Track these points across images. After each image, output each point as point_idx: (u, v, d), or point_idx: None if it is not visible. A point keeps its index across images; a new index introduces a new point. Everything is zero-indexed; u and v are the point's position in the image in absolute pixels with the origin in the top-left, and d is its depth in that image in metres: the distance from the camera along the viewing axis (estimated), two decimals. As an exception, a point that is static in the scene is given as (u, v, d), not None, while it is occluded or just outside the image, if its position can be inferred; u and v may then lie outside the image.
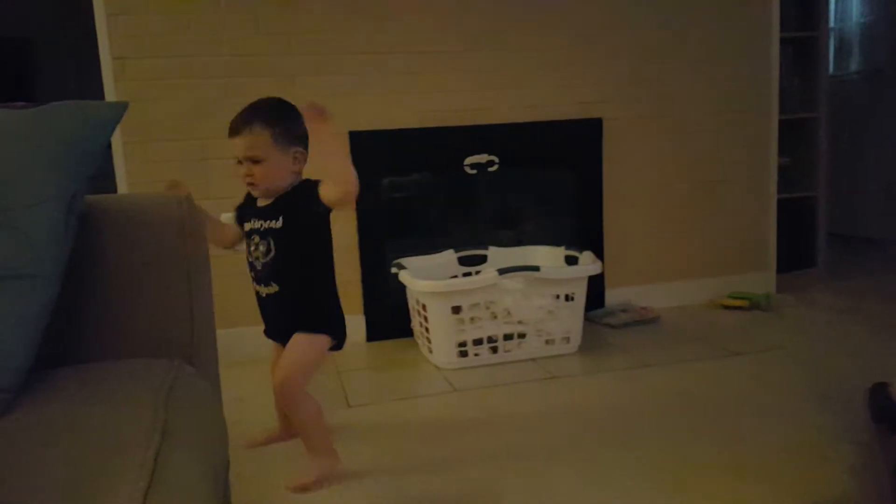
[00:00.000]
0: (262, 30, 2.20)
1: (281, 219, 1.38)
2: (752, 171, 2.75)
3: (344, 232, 2.33)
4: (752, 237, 2.78)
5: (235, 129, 1.35)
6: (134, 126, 2.10)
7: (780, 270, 2.83)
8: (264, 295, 1.42)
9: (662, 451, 1.45)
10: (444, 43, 2.36)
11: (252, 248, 1.43)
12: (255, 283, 1.44)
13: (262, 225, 1.41)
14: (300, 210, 1.38)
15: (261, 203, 1.43)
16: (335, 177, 1.32)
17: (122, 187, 2.16)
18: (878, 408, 1.49)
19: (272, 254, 1.39)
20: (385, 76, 2.31)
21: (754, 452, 1.43)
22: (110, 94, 2.10)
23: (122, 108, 0.96)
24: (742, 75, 2.68)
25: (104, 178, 2.14)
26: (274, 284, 1.40)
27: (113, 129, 0.94)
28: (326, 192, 1.34)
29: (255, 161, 1.35)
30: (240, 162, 1.37)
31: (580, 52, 2.48)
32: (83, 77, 2.27)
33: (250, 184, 1.39)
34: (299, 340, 1.40)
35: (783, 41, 2.80)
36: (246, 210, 1.47)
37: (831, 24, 3.64)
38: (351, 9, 2.25)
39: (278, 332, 1.47)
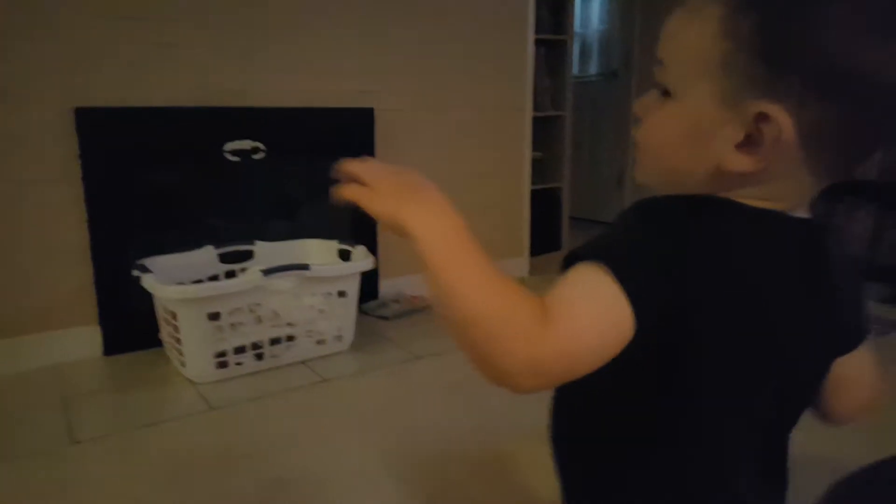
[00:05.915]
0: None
1: None
2: (511, 166, 2.79)
3: (68, 228, 1.86)
4: (510, 226, 2.84)
5: None
6: None
7: (531, 254, 2.95)
8: None
9: (437, 449, 1.35)
10: (201, 12, 1.97)
11: None
12: None
13: None
14: None
15: None
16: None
17: None
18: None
19: None
20: (129, 45, 1.87)
21: (536, 444, 1.40)
22: None
23: None
24: (502, 74, 2.69)
25: None
26: None
27: None
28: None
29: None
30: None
31: (352, 40, 2.26)
32: None
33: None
34: None
35: (536, 42, 2.87)
36: None
37: (576, 29, 3.87)
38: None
39: None
